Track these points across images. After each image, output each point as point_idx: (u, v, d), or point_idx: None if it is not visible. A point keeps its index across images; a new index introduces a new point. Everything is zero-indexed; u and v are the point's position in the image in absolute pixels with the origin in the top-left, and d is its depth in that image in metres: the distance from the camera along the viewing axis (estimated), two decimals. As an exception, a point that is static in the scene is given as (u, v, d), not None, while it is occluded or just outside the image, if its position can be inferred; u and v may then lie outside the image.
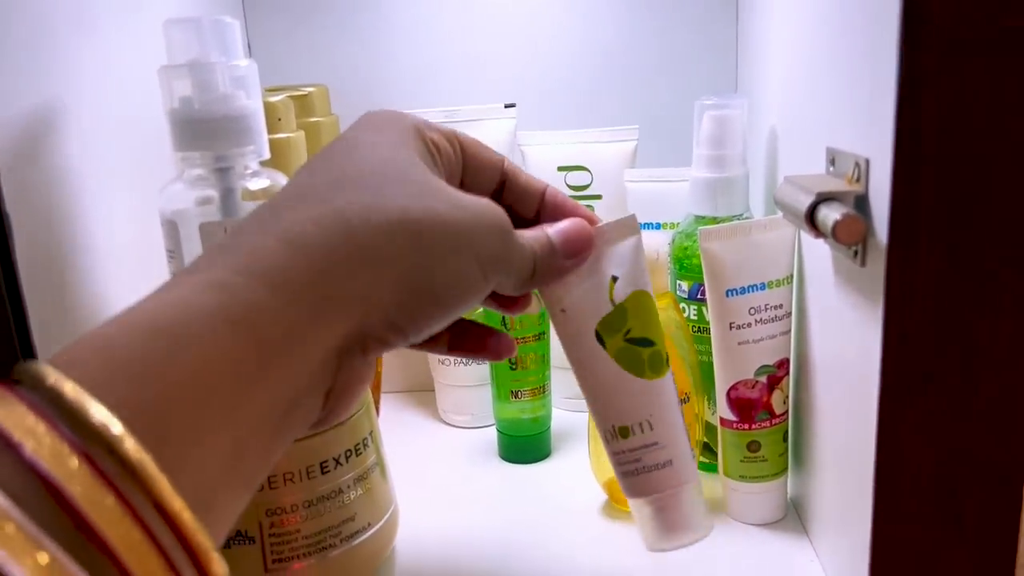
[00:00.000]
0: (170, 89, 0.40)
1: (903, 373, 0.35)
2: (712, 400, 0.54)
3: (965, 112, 0.32)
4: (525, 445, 0.62)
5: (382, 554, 0.48)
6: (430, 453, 0.64)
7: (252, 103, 0.41)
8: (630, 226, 0.40)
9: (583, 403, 0.56)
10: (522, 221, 0.36)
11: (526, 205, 0.37)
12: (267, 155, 0.42)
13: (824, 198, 0.36)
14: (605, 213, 0.65)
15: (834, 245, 0.40)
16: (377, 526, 0.46)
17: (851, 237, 0.34)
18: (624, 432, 0.40)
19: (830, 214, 0.34)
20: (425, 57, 0.73)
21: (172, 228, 0.41)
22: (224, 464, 0.24)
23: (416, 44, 0.73)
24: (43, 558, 0.18)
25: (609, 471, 0.53)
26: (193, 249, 0.40)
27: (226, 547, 0.42)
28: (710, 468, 0.55)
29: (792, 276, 0.49)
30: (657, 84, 0.70)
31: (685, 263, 0.54)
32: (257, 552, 0.42)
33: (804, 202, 0.36)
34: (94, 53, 0.47)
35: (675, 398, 0.41)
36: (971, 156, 0.32)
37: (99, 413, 0.20)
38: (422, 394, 0.74)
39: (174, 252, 0.41)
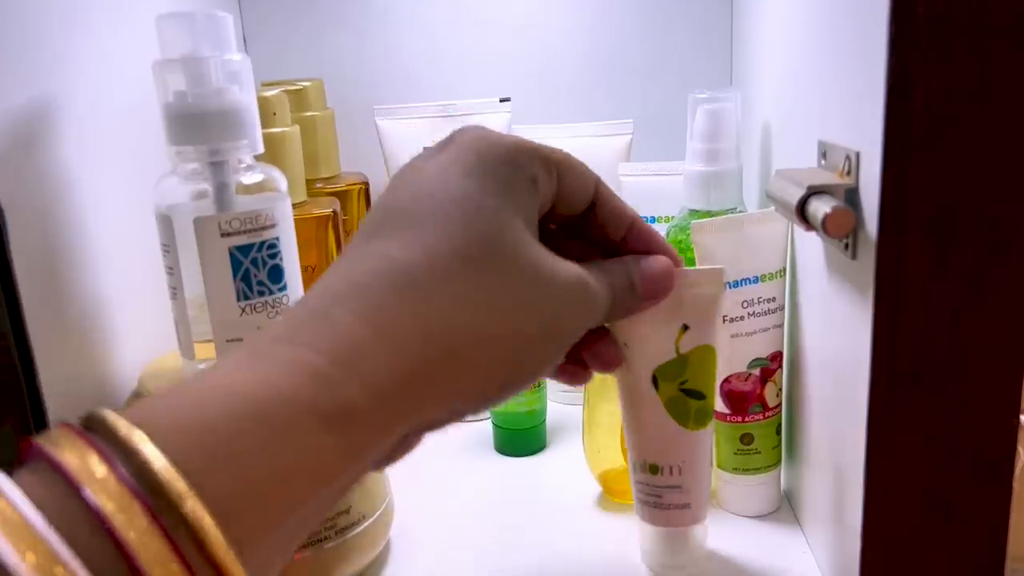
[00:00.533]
0: (164, 83, 0.40)
1: (893, 365, 0.35)
2: (706, 393, 0.54)
3: (954, 106, 0.32)
4: (520, 438, 0.62)
5: (377, 546, 0.48)
6: (424, 446, 0.64)
7: (246, 97, 0.41)
8: (715, 280, 0.40)
9: (578, 396, 0.57)
10: (607, 243, 0.36)
11: (614, 229, 0.35)
12: (261, 149, 0.42)
13: (815, 191, 0.36)
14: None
15: (825, 238, 0.40)
16: (372, 518, 0.46)
17: (841, 230, 0.34)
18: (654, 469, 0.43)
19: (820, 207, 0.35)
20: (421, 51, 0.73)
21: (166, 222, 0.41)
22: (288, 542, 0.24)
23: (412, 38, 0.73)
24: None
25: (603, 463, 0.54)
26: (187, 243, 0.40)
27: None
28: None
29: (785, 269, 0.49)
30: (651, 78, 0.70)
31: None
32: (252, 544, 0.42)
33: (795, 195, 0.36)
34: (88, 48, 0.47)
35: (708, 449, 0.43)
36: (960, 149, 0.32)
37: (192, 505, 0.20)
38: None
39: (168, 246, 0.41)
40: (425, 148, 0.32)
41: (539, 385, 0.62)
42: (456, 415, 0.29)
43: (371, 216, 0.30)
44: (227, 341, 0.41)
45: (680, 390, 0.41)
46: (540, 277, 0.30)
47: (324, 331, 0.25)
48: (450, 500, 0.56)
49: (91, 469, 0.20)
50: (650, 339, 0.40)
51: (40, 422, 0.38)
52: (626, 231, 0.35)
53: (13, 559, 0.18)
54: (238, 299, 0.40)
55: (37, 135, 0.41)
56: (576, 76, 0.72)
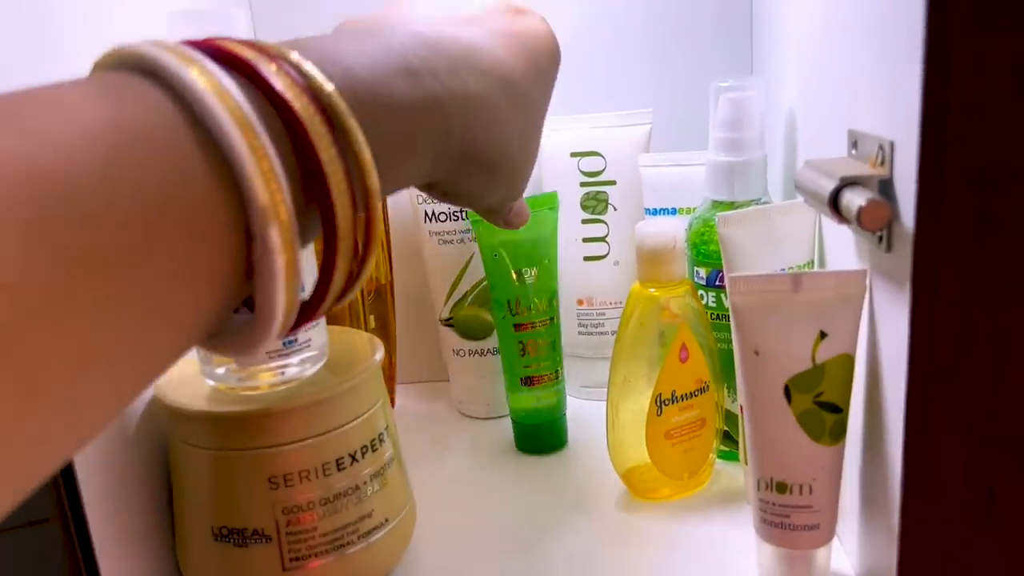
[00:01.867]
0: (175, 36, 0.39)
1: (932, 359, 0.34)
2: (732, 388, 0.53)
3: (994, 93, 0.30)
4: (540, 434, 0.61)
5: (401, 550, 0.47)
6: (446, 444, 0.64)
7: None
8: (858, 282, 0.38)
9: (601, 391, 0.55)
10: None
11: None
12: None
13: (848, 183, 0.35)
14: (620, 199, 0.64)
15: (858, 231, 0.39)
16: (395, 522, 0.45)
17: (876, 223, 0.33)
18: (782, 488, 0.40)
19: (854, 199, 0.34)
20: (434, 43, 0.72)
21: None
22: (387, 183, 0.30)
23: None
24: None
25: (628, 461, 0.53)
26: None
27: (242, 546, 0.41)
28: (731, 456, 0.55)
29: (813, 262, 0.48)
30: (670, 67, 0.69)
31: (702, 249, 0.53)
32: (274, 551, 0.41)
33: (827, 187, 0.35)
34: (99, 45, 0.46)
35: (841, 465, 0.40)
36: (1000, 138, 0.31)
37: (337, 99, 0.25)
38: (437, 385, 0.74)
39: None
40: None
41: (556, 379, 0.61)
42: (490, 157, 0.35)
43: None
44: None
45: (815, 403, 0.38)
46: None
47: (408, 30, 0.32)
48: (472, 499, 0.56)
49: (266, 66, 0.24)
50: (784, 347, 0.38)
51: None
52: None
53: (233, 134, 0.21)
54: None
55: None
56: (594, 66, 0.71)
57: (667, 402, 0.50)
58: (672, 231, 0.48)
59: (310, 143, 0.23)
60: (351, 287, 0.27)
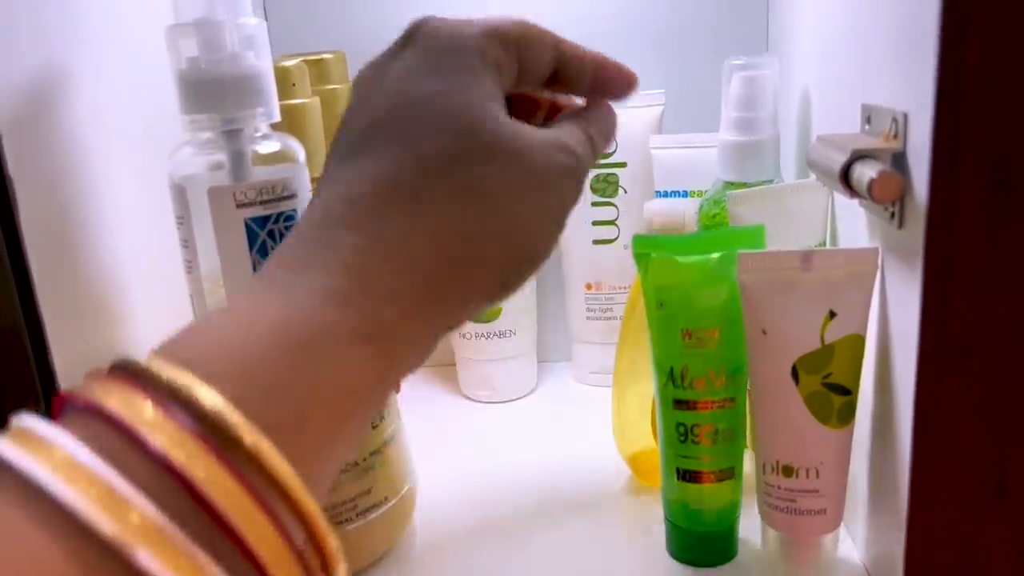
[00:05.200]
0: (177, 49, 0.38)
1: (943, 340, 0.33)
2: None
3: (1010, 65, 0.29)
4: (700, 542, 0.45)
5: (400, 528, 0.47)
6: (451, 428, 0.63)
7: (261, 63, 0.39)
8: (869, 261, 0.37)
9: (610, 377, 0.54)
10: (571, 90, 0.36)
11: (578, 84, 0.35)
12: (277, 117, 0.40)
13: (859, 156, 0.34)
14: (630, 182, 0.64)
15: (869, 206, 0.38)
16: (394, 500, 0.45)
17: (888, 195, 0.32)
18: (788, 471, 0.39)
19: (865, 172, 0.33)
20: (445, 23, 0.71)
21: (181, 193, 0.39)
22: (337, 460, 0.26)
23: (435, 9, 0.71)
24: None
25: (633, 445, 0.52)
26: (203, 215, 0.39)
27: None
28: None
29: (825, 242, 0.47)
30: (684, 47, 0.67)
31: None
32: (270, 525, 0.41)
33: (838, 160, 0.34)
34: (101, 13, 0.46)
35: (849, 449, 0.39)
36: (1017, 109, 0.30)
37: (242, 429, 0.21)
38: (443, 368, 0.73)
39: (183, 218, 0.40)
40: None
41: (731, 476, 0.44)
42: (475, 310, 0.30)
43: (348, 131, 0.30)
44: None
45: (823, 384, 0.37)
46: (524, 156, 0.29)
47: (331, 255, 0.26)
48: (476, 483, 0.55)
49: (141, 412, 0.20)
50: (792, 326, 0.37)
51: (51, 399, 0.37)
52: (591, 82, 0.35)
53: (74, 498, 0.18)
54: (254, 271, 0.39)
55: (48, 104, 0.40)
56: (604, 45, 0.69)
57: None
58: (682, 209, 0.47)
59: (223, 522, 0.20)
60: None
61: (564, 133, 0.32)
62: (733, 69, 0.51)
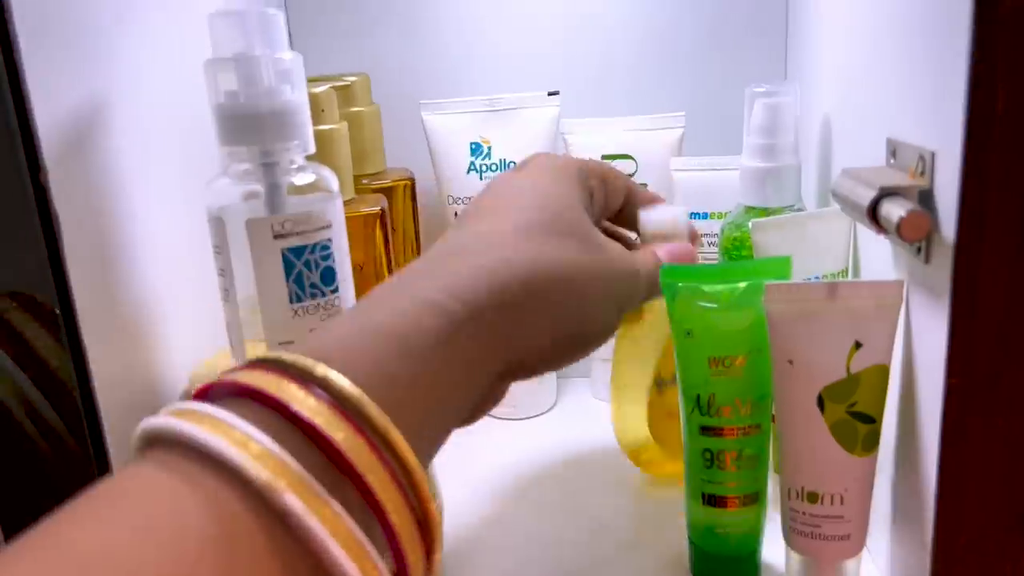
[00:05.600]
0: (215, 83, 0.39)
1: (969, 373, 0.33)
2: (762, 395, 0.52)
3: (1040, 103, 0.30)
4: (723, 566, 0.46)
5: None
6: (473, 445, 0.64)
7: (297, 97, 0.40)
8: (894, 293, 0.38)
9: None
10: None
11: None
12: (312, 149, 0.41)
13: (887, 192, 0.35)
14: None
15: (896, 241, 0.38)
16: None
17: (917, 234, 0.33)
18: (813, 498, 0.40)
19: (894, 210, 0.33)
20: (466, 44, 0.72)
21: (219, 224, 0.40)
22: (433, 444, 0.31)
23: (458, 31, 0.72)
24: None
25: (634, 440, 0.53)
26: (239, 245, 0.40)
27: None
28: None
29: (847, 270, 0.48)
30: (703, 71, 0.68)
31: (734, 255, 0.53)
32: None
33: (865, 197, 0.35)
34: (140, 47, 0.47)
35: (873, 476, 0.40)
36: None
37: (370, 406, 0.25)
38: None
39: (220, 248, 0.41)
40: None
41: (754, 501, 0.45)
42: (543, 364, 0.36)
43: (468, 210, 0.38)
44: (279, 344, 0.40)
45: (848, 412, 0.38)
46: (602, 249, 0.38)
47: (432, 278, 0.32)
48: (498, 501, 0.56)
49: (289, 391, 0.24)
50: (819, 357, 0.38)
51: (93, 420, 0.38)
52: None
53: (235, 453, 0.22)
54: (291, 301, 0.40)
55: (89, 135, 0.41)
56: (626, 68, 0.70)
57: (667, 383, 0.50)
58: (672, 213, 0.46)
59: (357, 476, 0.24)
60: None
61: (632, 253, 0.41)
62: (755, 96, 0.51)
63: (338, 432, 0.24)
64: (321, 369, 0.25)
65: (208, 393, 0.25)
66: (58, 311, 0.37)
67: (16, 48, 0.34)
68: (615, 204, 0.43)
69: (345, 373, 0.26)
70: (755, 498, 0.44)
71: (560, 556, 0.49)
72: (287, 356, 0.26)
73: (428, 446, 0.30)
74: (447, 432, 0.32)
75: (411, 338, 0.29)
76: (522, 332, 0.33)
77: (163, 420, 0.24)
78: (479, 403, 0.34)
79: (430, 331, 0.30)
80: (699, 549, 0.46)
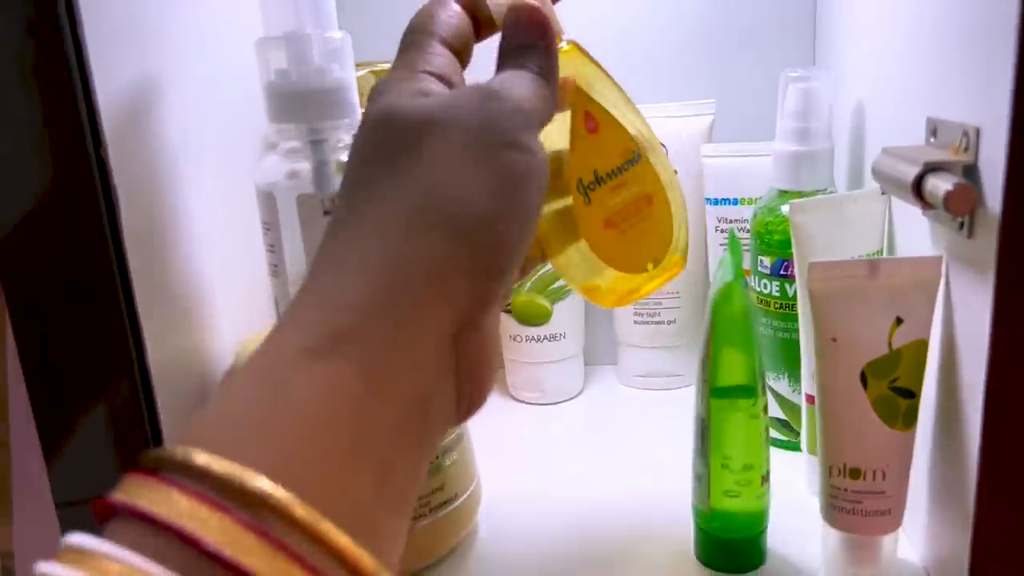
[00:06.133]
0: (266, 61, 0.40)
1: (1014, 346, 0.34)
2: (795, 377, 0.53)
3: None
4: (731, 548, 0.45)
5: (466, 526, 0.48)
6: (501, 429, 0.64)
7: (346, 75, 0.41)
8: (933, 269, 0.38)
9: (655, 380, 0.55)
10: None
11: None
12: (360, 128, 0.42)
13: (931, 168, 0.35)
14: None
15: (935, 216, 0.39)
16: (464, 496, 0.46)
17: (964, 207, 0.33)
18: (855, 474, 0.41)
19: (940, 184, 0.34)
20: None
21: (268, 200, 0.41)
22: (373, 490, 0.24)
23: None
24: None
25: (583, 276, 0.42)
26: (289, 221, 0.40)
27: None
28: (790, 446, 0.55)
29: (882, 250, 0.48)
30: (733, 59, 0.69)
31: (767, 239, 0.53)
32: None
33: (909, 172, 0.36)
34: (192, 25, 0.48)
35: (912, 451, 0.40)
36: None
37: (259, 482, 0.20)
38: (491, 370, 0.74)
39: (270, 224, 0.41)
40: None
41: (762, 481, 0.44)
42: (491, 283, 0.28)
43: None
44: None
45: (890, 388, 0.39)
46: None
47: (316, 293, 0.26)
48: (531, 485, 0.56)
49: (195, 513, 0.20)
50: (862, 333, 0.39)
51: (148, 394, 0.39)
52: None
53: None
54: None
55: (143, 113, 0.41)
56: (655, 55, 0.71)
57: (591, 185, 0.37)
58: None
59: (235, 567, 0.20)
60: None
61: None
62: (789, 81, 0.52)
63: (248, 555, 0.20)
64: (203, 460, 0.21)
65: (106, 509, 0.21)
66: (121, 293, 0.38)
67: (80, 24, 0.35)
68: (463, 32, 0.36)
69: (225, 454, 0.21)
70: (764, 477, 0.44)
71: (580, 537, 0.50)
72: (174, 452, 0.21)
73: (378, 485, 0.24)
74: (422, 442, 0.26)
75: (287, 384, 0.23)
76: (433, 293, 0.26)
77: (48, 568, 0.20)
78: (452, 381, 0.28)
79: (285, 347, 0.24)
80: (704, 533, 0.46)
